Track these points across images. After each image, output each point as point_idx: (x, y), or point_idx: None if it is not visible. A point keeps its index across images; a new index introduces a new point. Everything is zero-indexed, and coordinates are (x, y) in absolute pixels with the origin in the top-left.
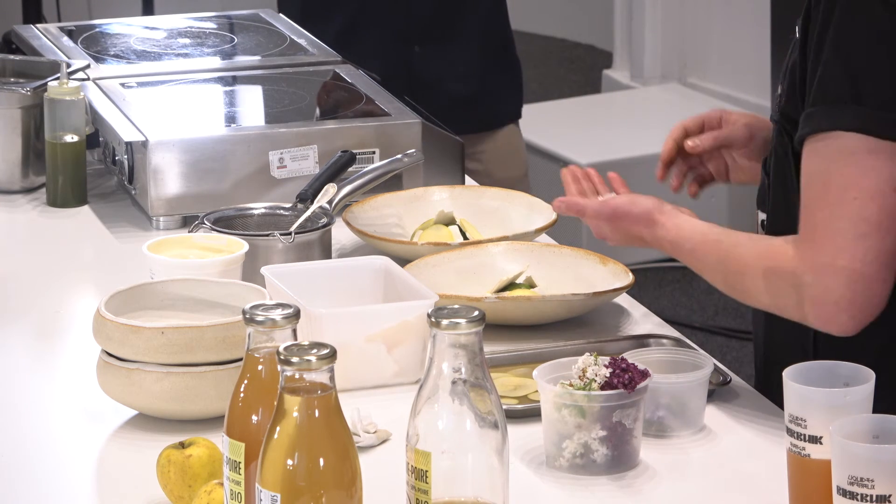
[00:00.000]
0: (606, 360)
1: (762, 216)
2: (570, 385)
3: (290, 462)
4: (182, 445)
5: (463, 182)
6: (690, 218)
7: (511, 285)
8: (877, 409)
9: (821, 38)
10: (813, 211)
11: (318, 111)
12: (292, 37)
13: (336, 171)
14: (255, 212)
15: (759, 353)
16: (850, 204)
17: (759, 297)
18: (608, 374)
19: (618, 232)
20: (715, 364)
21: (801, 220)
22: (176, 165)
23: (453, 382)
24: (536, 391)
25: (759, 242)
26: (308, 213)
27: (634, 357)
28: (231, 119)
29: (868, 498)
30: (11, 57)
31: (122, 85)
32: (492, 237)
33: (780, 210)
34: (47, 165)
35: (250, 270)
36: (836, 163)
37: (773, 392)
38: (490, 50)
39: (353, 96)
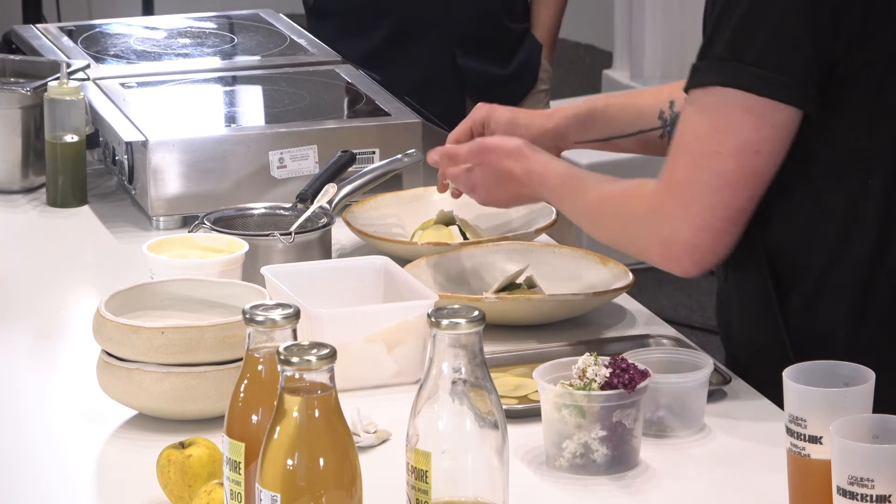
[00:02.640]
0: (606, 360)
1: None
2: (570, 385)
3: (290, 462)
4: (182, 445)
5: None
6: (559, 159)
7: (511, 285)
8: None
9: None
10: (677, 157)
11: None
12: (292, 37)
13: (336, 171)
14: (255, 212)
15: (732, 351)
16: (712, 157)
17: (612, 233)
18: (608, 374)
19: (488, 170)
20: (715, 364)
21: (665, 163)
22: (176, 165)
23: (453, 382)
24: (536, 391)
25: (621, 182)
26: (308, 213)
27: (634, 357)
28: (231, 119)
29: (868, 498)
30: (11, 57)
31: (122, 85)
32: (492, 237)
33: None
34: (47, 165)
35: (250, 270)
36: (707, 115)
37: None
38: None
39: (353, 96)
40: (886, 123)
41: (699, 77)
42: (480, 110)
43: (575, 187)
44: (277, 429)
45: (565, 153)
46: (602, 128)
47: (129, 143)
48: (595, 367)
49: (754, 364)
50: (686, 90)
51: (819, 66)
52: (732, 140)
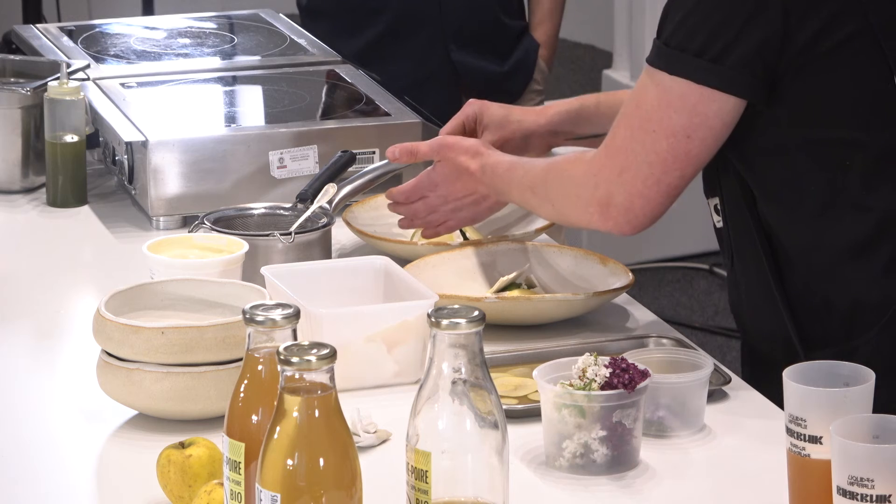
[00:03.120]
0: (606, 360)
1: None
2: (570, 385)
3: (290, 462)
4: (182, 445)
5: None
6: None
7: (511, 285)
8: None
9: None
10: (620, 125)
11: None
12: (292, 37)
13: (336, 171)
14: (255, 212)
15: (746, 337)
16: (648, 133)
17: (555, 200)
18: (608, 374)
19: (447, 166)
20: (715, 364)
21: (610, 129)
22: (176, 165)
23: (453, 382)
24: (536, 391)
25: (566, 155)
26: (308, 213)
27: (634, 357)
28: (231, 119)
29: (868, 498)
30: (11, 57)
31: (122, 85)
32: (492, 237)
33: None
34: (47, 165)
35: (250, 270)
36: (651, 94)
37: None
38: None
39: (353, 96)
40: (857, 109)
41: (652, 57)
42: (473, 105)
43: (522, 167)
44: (277, 429)
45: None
46: (593, 124)
47: (129, 143)
48: (595, 367)
49: (766, 348)
50: (647, 61)
51: (765, 57)
52: (667, 122)
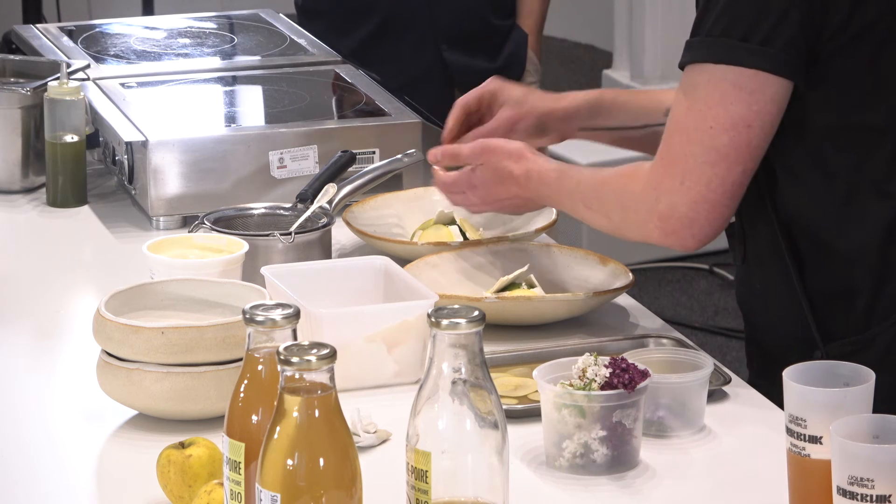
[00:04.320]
0: (606, 360)
1: None
2: (570, 385)
3: (290, 462)
4: (182, 445)
5: None
6: (558, 161)
7: (511, 285)
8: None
9: None
10: (672, 133)
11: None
12: (292, 37)
13: (336, 171)
14: (255, 212)
15: (753, 348)
16: (705, 132)
17: (612, 216)
18: (608, 374)
19: (489, 171)
20: (715, 364)
21: (662, 141)
22: (176, 165)
23: (453, 382)
24: (536, 391)
25: (618, 167)
26: (308, 213)
27: (634, 357)
28: (231, 119)
29: (868, 498)
30: (11, 57)
31: (122, 85)
32: (492, 237)
33: None
34: (47, 165)
35: (250, 270)
36: (701, 91)
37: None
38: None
39: (353, 96)
40: (883, 94)
41: (691, 54)
42: (493, 82)
43: (572, 178)
44: (277, 429)
45: (563, 153)
46: (611, 117)
47: (129, 143)
48: (595, 367)
49: (777, 344)
50: (681, 66)
51: (807, 38)
52: (724, 115)
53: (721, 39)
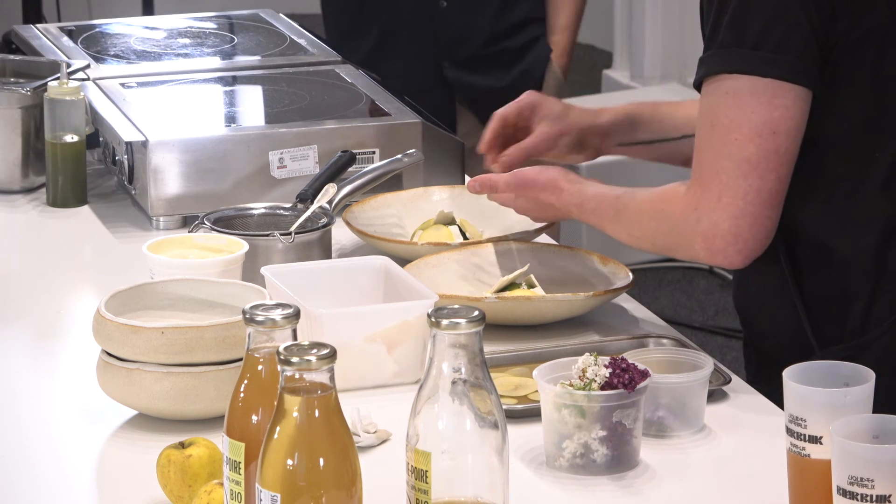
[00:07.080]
0: (606, 360)
1: None
2: (570, 385)
3: (290, 462)
4: (182, 445)
5: (463, 182)
6: (594, 183)
7: (511, 285)
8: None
9: None
10: (701, 152)
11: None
12: (292, 37)
13: (336, 171)
14: (255, 212)
15: (751, 350)
16: (732, 145)
17: (656, 240)
18: (608, 374)
19: (529, 201)
20: (715, 364)
21: (693, 163)
22: (176, 165)
23: (453, 382)
24: (536, 391)
25: (654, 189)
26: (308, 213)
27: (634, 357)
28: (231, 119)
29: (868, 498)
30: (11, 57)
31: (122, 85)
32: (492, 237)
33: None
34: (47, 165)
35: (250, 270)
36: (720, 104)
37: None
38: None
39: (353, 96)
40: (882, 100)
41: (705, 68)
42: (531, 95)
43: (612, 206)
44: (277, 429)
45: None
46: (649, 130)
47: (129, 143)
48: (595, 367)
49: (774, 347)
50: (695, 85)
51: (818, 43)
52: (747, 125)
53: (733, 49)
